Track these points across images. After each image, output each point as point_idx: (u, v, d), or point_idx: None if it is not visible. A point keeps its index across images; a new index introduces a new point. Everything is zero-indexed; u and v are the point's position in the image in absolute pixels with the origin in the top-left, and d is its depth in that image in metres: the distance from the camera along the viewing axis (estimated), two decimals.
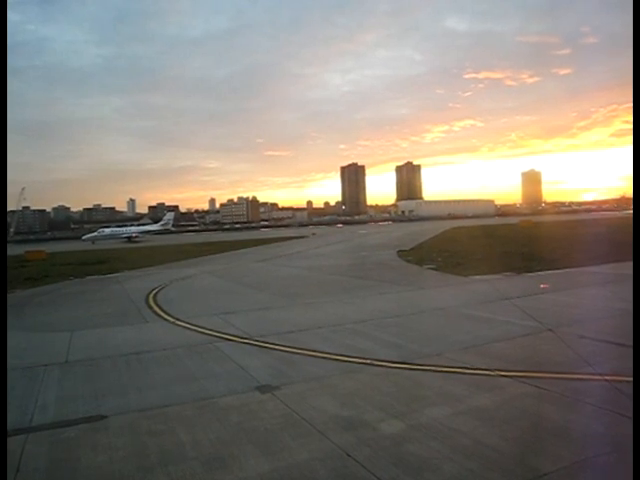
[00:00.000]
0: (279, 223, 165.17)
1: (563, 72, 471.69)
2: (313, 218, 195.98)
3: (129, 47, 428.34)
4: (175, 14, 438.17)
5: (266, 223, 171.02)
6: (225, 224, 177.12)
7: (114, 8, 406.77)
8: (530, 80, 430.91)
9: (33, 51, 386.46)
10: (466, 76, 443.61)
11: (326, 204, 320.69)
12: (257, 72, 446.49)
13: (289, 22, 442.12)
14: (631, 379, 5.15)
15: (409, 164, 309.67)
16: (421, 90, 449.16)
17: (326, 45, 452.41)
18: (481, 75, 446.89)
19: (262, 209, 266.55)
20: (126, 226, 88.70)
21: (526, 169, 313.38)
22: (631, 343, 7.03)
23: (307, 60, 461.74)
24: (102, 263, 29.77)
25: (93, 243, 66.70)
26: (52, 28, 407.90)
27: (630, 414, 4.96)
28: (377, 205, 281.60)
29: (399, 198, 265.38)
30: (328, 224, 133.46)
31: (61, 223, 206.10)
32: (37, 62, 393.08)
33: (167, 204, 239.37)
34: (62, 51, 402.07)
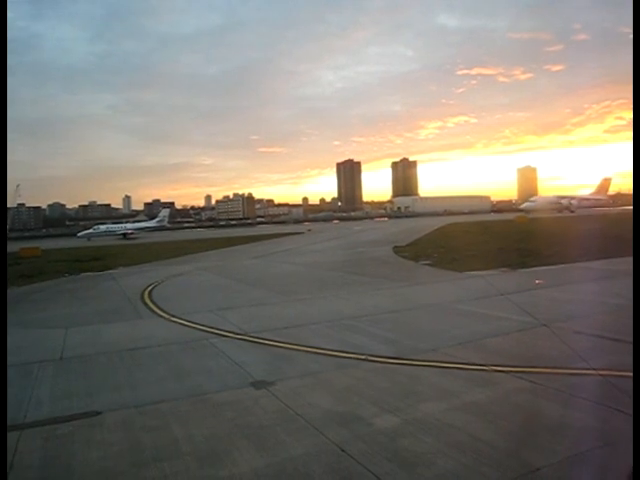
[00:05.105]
0: (275, 219, 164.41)
1: (555, 69, 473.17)
2: (309, 214, 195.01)
3: (121, 44, 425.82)
4: (167, 11, 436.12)
5: (262, 219, 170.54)
6: (221, 220, 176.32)
7: (105, 5, 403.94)
8: (523, 76, 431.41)
9: (24, 48, 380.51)
10: (459, 72, 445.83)
11: (322, 200, 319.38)
12: (250, 69, 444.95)
13: (281, 19, 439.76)
14: (626, 374, 5.17)
15: (405, 160, 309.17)
16: (414, 86, 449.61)
17: (319, 42, 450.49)
18: (474, 71, 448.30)
19: (258, 205, 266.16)
20: (122, 223, 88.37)
21: (521, 165, 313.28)
22: (626, 338, 7.06)
23: (300, 57, 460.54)
24: (97, 260, 29.62)
25: (88, 240, 66.43)
26: (43, 25, 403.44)
27: (625, 409, 4.99)
28: (373, 201, 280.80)
29: (395, 194, 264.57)
30: (324, 220, 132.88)
31: (56, 220, 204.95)
32: (28, 59, 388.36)
33: (162, 201, 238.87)
34: (53, 48, 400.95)
